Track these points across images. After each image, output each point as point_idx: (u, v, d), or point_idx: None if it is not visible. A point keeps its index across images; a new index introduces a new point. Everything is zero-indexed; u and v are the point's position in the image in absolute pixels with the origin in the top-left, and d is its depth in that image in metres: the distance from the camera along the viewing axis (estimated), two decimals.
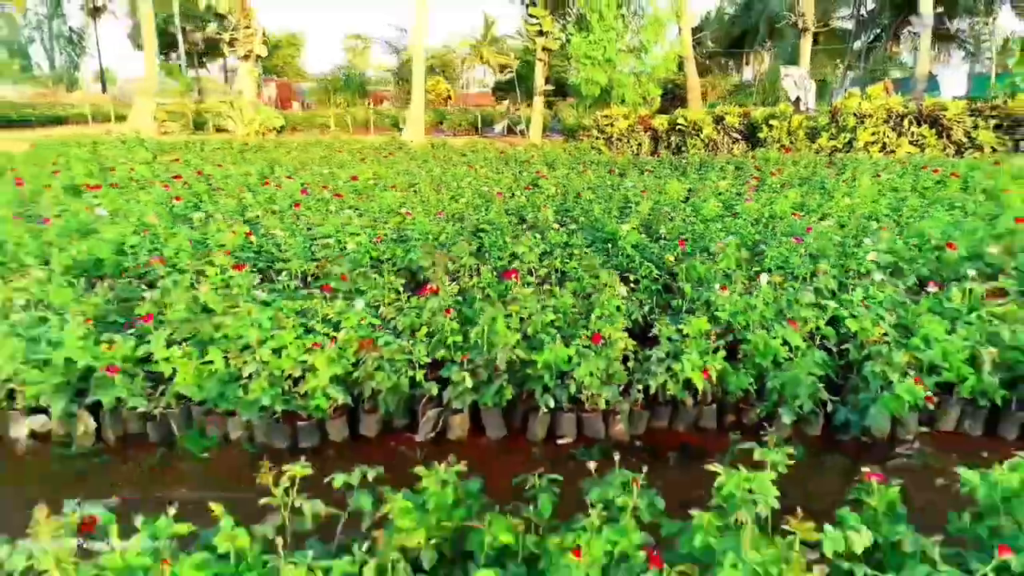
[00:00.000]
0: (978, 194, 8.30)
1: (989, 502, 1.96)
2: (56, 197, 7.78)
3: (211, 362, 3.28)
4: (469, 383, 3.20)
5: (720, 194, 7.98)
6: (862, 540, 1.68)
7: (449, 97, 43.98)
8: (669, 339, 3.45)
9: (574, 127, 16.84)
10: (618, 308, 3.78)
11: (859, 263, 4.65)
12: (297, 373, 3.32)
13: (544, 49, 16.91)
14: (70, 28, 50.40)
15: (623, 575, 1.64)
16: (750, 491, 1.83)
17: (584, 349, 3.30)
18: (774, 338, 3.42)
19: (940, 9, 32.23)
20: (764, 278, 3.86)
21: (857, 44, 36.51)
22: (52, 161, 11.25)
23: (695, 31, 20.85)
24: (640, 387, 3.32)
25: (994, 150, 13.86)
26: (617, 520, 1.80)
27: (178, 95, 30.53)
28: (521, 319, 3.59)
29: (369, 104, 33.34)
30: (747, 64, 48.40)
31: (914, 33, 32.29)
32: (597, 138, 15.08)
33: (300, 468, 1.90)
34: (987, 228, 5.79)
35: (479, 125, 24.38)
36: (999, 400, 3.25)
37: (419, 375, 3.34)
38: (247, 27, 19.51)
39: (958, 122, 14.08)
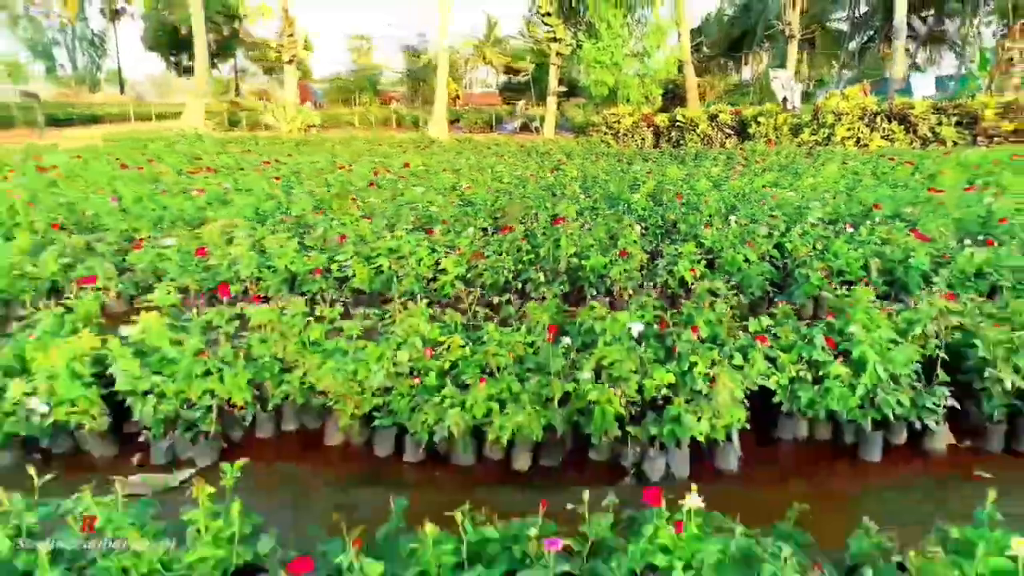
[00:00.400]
0: (922, 176, 10.17)
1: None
2: (175, 177, 9.68)
3: (380, 267, 5.16)
4: (542, 278, 5.07)
5: (711, 177, 9.85)
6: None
7: (457, 97, 45.79)
8: (670, 255, 5.33)
9: (584, 124, 18.74)
10: (635, 241, 5.65)
11: (805, 216, 6.53)
12: (430, 275, 5.19)
13: (557, 54, 18.82)
14: (92, 31, 52.40)
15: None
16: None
17: (616, 259, 5.18)
18: (737, 254, 5.30)
19: (932, 12, 34.16)
20: (733, 219, 5.74)
21: (852, 45, 38.45)
22: (140, 152, 13.16)
23: (695, 33, 22.42)
24: (651, 283, 5.19)
25: (955, 143, 15.74)
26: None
27: (215, 95, 32.37)
28: (573, 242, 5.47)
29: (383, 103, 35.22)
30: (746, 64, 50.27)
31: (910, 36, 34.22)
32: (605, 133, 16.95)
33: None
34: (911, 196, 7.67)
35: (493, 123, 26.27)
36: (880, 291, 5.12)
37: (508, 275, 5.21)
38: (290, 35, 21.42)
39: (923, 119, 15.97)
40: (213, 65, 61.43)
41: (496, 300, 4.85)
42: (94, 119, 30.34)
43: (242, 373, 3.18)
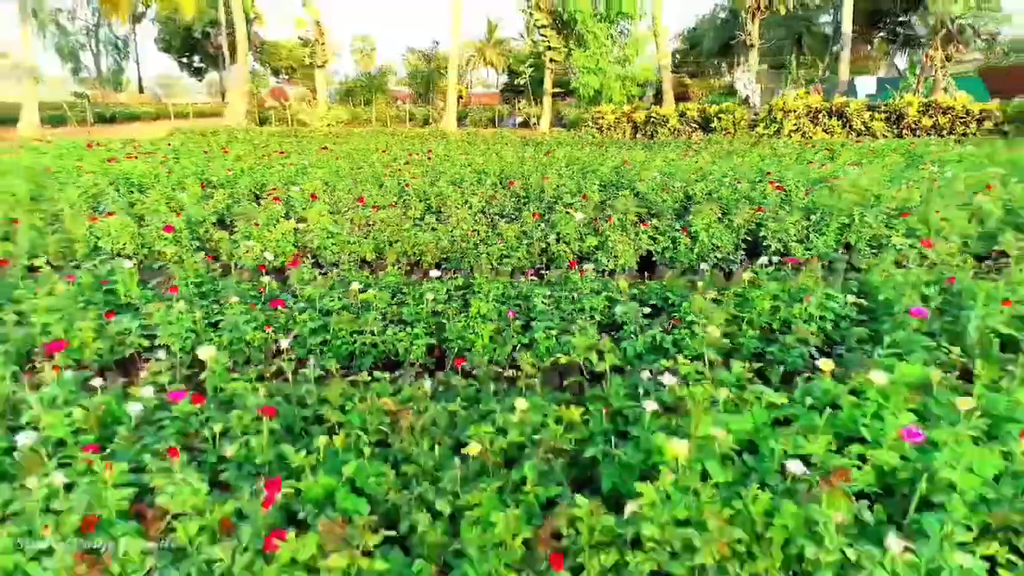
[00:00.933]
0: (834, 160, 13.24)
1: None
2: (255, 157, 12.75)
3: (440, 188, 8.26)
4: (531, 207, 8.15)
5: (665, 159, 12.92)
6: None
7: (461, 96, 48.81)
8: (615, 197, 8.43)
9: (575, 120, 21.81)
10: (594, 190, 8.74)
11: (707, 176, 9.62)
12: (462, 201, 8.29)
13: (551, 60, 21.90)
14: (115, 35, 55.57)
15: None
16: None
17: (579, 200, 8.27)
18: (657, 196, 8.39)
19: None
20: (658, 176, 8.85)
21: (837, 47, 41.69)
22: (209, 142, 16.24)
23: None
24: (602, 213, 8.28)
25: (885, 136, 18.83)
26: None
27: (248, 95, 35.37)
28: (552, 189, 8.59)
29: (397, 101, 38.34)
30: (737, 65, 53.51)
31: (890, 40, 37.38)
32: (592, 127, 20.02)
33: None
34: (801, 169, 10.75)
35: (495, 120, 29.36)
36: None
37: (511, 206, 8.29)
38: (322, 43, 24.53)
39: (858, 115, 19.06)
40: (223, 67, 64.62)
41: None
42: (134, 117, 33.42)
43: (367, 243, 6.27)
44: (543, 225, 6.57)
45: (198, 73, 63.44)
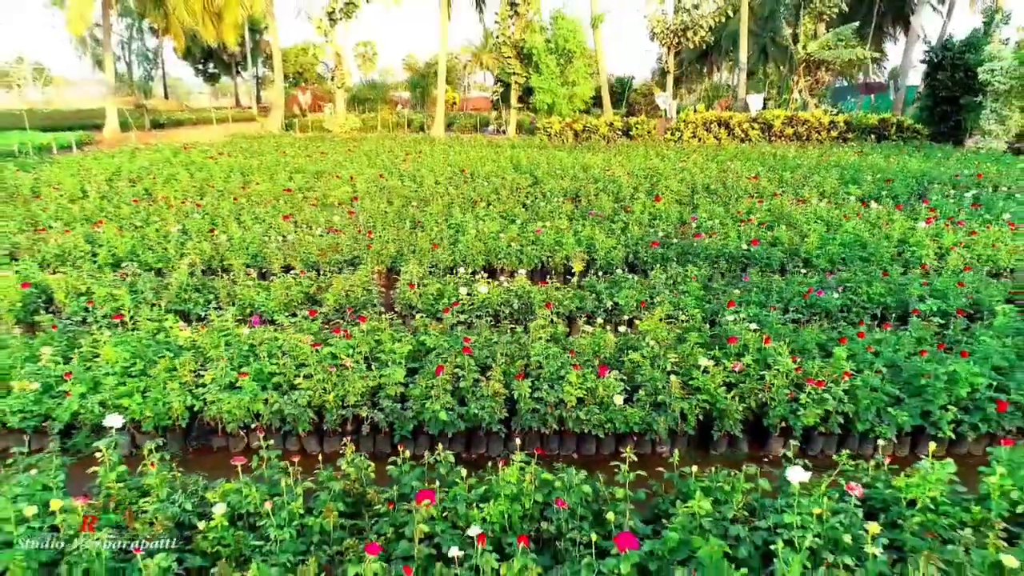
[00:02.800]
0: (707, 159, 20.06)
1: None
2: (306, 155, 19.56)
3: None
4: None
5: (580, 159, 19.69)
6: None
7: (455, 103, 55.57)
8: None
9: (531, 129, 28.39)
10: (530, 184, 15.56)
11: (607, 170, 16.44)
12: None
13: (515, 82, 28.63)
14: (145, 47, 62.17)
15: None
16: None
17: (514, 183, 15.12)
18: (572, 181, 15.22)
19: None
20: (574, 171, 15.72)
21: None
22: (260, 144, 23.08)
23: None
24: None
25: (759, 141, 25.64)
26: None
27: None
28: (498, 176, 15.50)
29: (397, 107, 45.14)
30: (718, 70, 60.18)
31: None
32: (543, 135, 26.73)
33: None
34: (672, 164, 17.58)
35: (478, 126, 36.00)
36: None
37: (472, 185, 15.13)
38: (341, 69, 31.29)
39: (739, 126, 25.87)
40: (238, 73, 71.29)
41: None
42: (179, 123, 40.12)
43: (378, 195, 13.09)
44: (473, 186, 13.42)
45: (211, 78, 70.28)
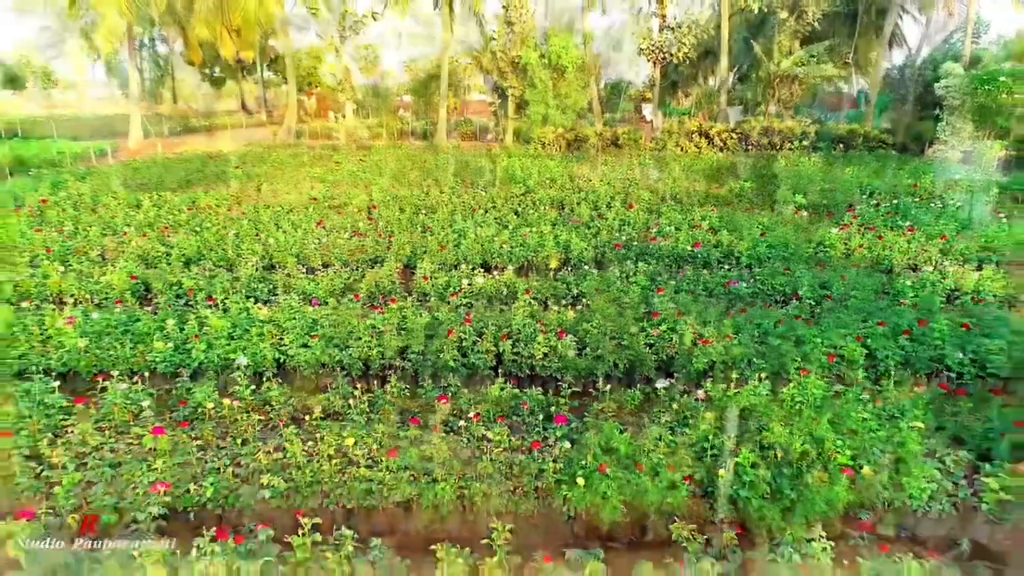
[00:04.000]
0: (685, 166, 22.23)
1: None
2: (330, 164, 21.76)
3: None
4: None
5: (568, 169, 21.86)
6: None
7: (456, 108, 57.53)
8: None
9: (527, 138, 30.59)
10: (523, 188, 17.76)
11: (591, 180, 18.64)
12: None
13: (512, 94, 30.85)
14: (156, 52, 64.43)
15: None
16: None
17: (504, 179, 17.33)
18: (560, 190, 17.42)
19: None
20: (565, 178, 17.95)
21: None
22: (289, 156, 25.29)
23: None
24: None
25: (737, 150, 27.81)
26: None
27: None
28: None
29: (400, 112, 47.25)
30: (713, 74, 62.37)
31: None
32: (537, 144, 28.90)
33: None
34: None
35: (477, 134, 38.19)
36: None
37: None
38: (350, 83, 33.49)
39: (718, 136, 28.04)
40: (243, 78, 73.41)
41: None
42: (193, 130, 42.29)
43: (392, 204, 15.30)
44: (473, 194, 15.64)
45: (216, 83, 72.43)
